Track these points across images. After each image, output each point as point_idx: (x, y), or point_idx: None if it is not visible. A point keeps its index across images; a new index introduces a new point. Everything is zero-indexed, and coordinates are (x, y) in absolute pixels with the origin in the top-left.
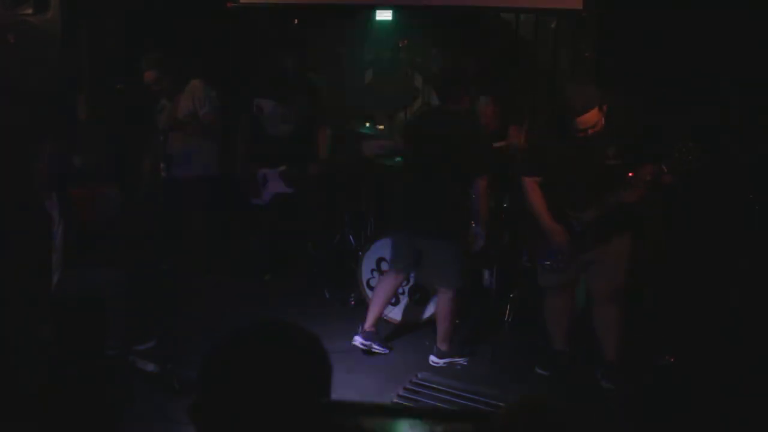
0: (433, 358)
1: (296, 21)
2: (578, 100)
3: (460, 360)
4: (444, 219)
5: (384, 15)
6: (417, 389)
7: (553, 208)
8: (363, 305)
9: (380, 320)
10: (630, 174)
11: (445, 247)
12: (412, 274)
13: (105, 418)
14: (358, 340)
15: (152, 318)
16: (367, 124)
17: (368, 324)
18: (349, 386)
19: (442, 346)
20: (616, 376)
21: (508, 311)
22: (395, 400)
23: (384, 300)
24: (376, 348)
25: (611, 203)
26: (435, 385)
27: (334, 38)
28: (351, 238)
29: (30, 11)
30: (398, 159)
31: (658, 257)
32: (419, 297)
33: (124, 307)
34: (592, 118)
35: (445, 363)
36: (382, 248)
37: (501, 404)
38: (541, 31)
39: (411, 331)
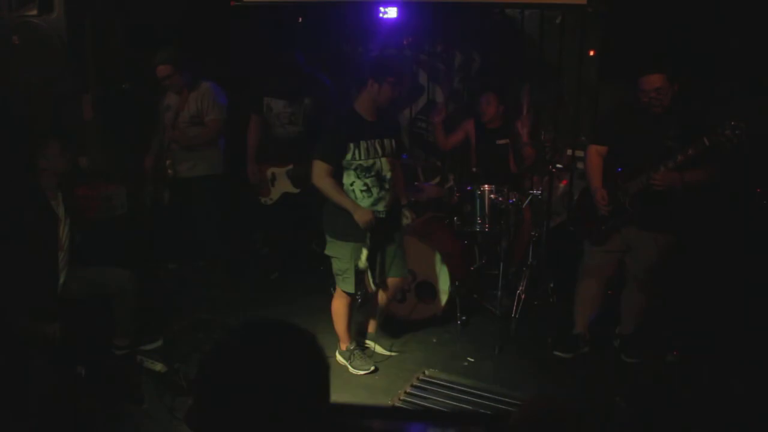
0: None
1: (300, 19)
2: (649, 60)
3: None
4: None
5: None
6: (424, 386)
7: (607, 177)
8: (369, 303)
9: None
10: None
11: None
12: (415, 272)
13: (113, 417)
14: None
15: (159, 317)
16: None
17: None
18: (355, 384)
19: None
20: (634, 350)
21: (515, 307)
22: (402, 397)
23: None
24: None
25: (656, 177)
26: (442, 383)
27: (339, 36)
28: None
29: (35, 12)
30: (404, 156)
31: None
32: (425, 294)
33: (131, 306)
34: (656, 81)
35: None
36: None
37: (508, 401)
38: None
39: (418, 327)
